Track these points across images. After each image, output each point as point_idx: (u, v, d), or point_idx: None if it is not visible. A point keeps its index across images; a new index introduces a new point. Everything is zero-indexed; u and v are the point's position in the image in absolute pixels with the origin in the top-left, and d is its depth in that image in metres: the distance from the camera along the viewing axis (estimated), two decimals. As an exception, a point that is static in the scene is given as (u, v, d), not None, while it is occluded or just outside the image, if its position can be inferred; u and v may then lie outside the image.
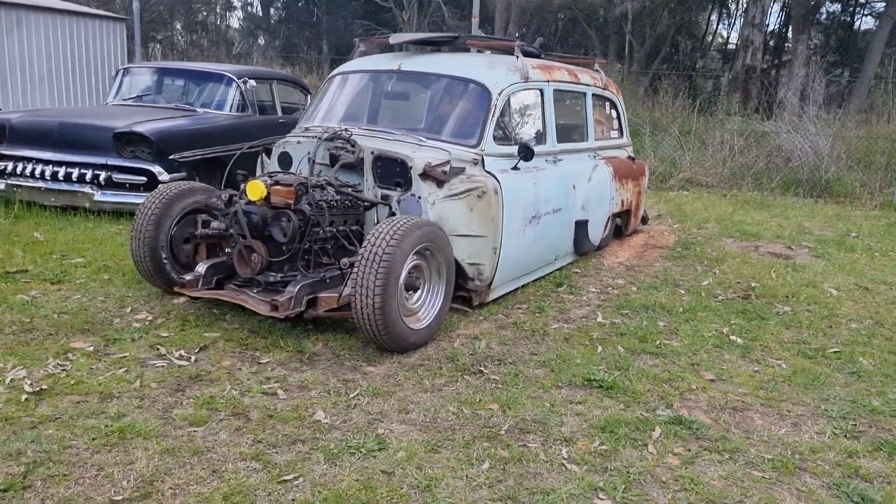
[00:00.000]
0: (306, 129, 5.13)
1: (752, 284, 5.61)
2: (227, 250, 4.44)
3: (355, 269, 3.78)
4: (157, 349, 3.86)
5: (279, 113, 8.83)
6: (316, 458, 2.88)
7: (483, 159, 4.68)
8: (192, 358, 3.77)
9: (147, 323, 4.22)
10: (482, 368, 3.84)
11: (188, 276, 4.26)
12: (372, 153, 4.54)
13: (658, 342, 4.33)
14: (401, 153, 4.48)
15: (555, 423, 3.28)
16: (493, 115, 4.78)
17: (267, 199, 4.13)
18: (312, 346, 4.01)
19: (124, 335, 3.99)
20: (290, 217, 4.05)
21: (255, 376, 3.61)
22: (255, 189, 4.11)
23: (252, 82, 8.31)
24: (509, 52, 5.36)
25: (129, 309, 4.42)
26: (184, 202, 4.63)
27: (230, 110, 7.99)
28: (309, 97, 9.90)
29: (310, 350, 3.95)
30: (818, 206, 9.60)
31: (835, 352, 4.33)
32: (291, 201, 4.11)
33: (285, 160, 4.92)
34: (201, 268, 4.31)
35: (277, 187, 4.12)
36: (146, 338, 4.00)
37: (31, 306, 4.37)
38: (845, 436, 3.32)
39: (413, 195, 4.43)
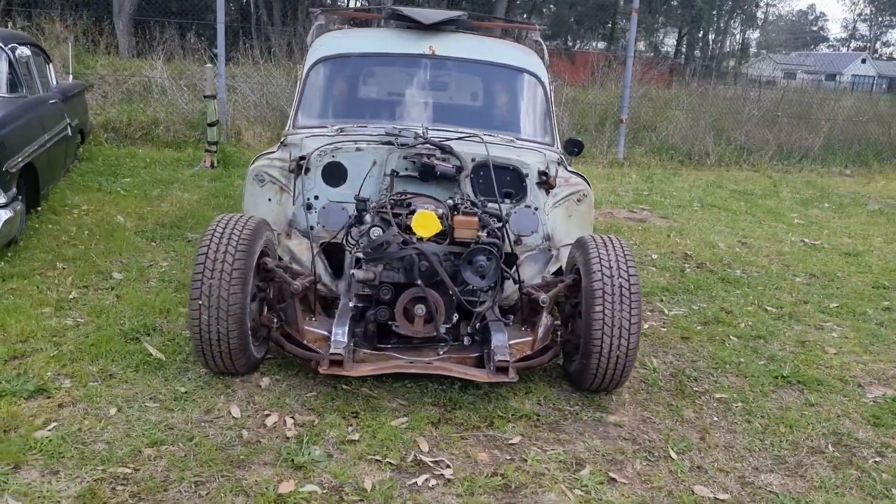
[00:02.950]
0: (340, 129, 4.00)
1: (687, 253, 6.20)
2: (351, 305, 3.34)
3: (599, 308, 3.19)
4: (380, 461, 2.77)
5: (40, 91, 6.56)
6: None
7: (562, 159, 4.28)
8: (446, 462, 2.80)
9: (298, 429, 2.96)
10: (695, 389, 3.63)
11: (337, 349, 3.08)
12: (473, 160, 3.80)
13: (742, 326, 4.57)
14: (512, 159, 3.84)
15: (845, 430, 3.32)
16: (553, 109, 4.38)
17: (442, 234, 3.21)
18: (520, 404, 3.30)
19: (302, 456, 2.76)
20: (492, 254, 3.21)
21: (541, 463, 2.86)
22: (430, 222, 3.15)
23: (24, 50, 6.03)
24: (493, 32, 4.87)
25: (239, 414, 3.04)
26: (258, 244, 3.31)
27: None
28: (50, 67, 7.54)
29: (528, 411, 3.25)
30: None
31: (836, 307, 5.10)
32: (479, 234, 3.25)
33: (336, 173, 3.81)
34: (340, 334, 3.17)
35: (463, 218, 3.21)
36: (340, 450, 2.84)
37: (77, 435, 2.71)
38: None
39: (528, 206, 3.86)
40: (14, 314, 3.82)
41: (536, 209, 3.85)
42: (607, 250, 3.33)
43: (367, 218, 3.33)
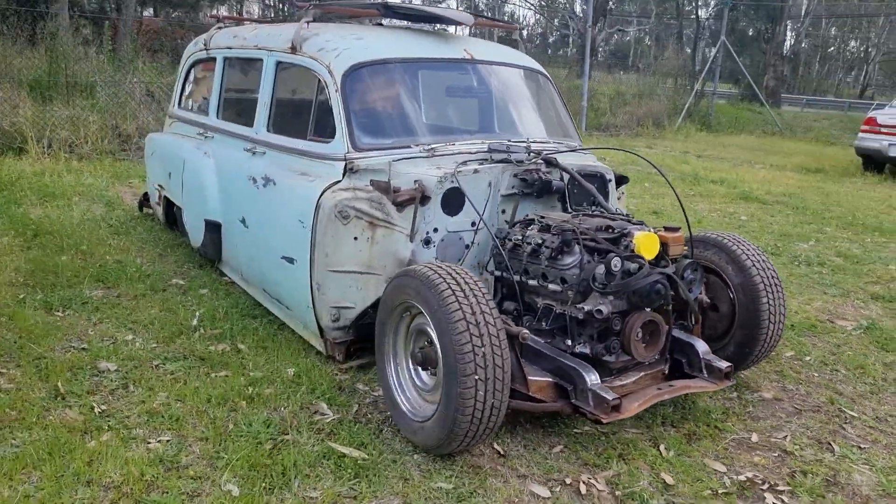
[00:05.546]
0: (430, 148, 3.53)
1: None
2: (575, 335, 3.09)
3: (764, 300, 3.48)
4: (728, 494, 2.74)
5: None
6: None
7: (591, 159, 4.41)
8: (760, 477, 2.87)
9: (619, 489, 2.72)
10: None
11: (612, 395, 2.85)
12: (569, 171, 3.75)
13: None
14: (597, 166, 3.89)
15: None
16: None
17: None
18: (704, 403, 3.46)
19: (660, 511, 2.59)
20: (698, 267, 3.25)
21: (802, 449, 3.11)
22: (653, 244, 3.09)
23: None
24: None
25: (548, 493, 2.64)
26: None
27: None
28: None
29: (718, 407, 3.44)
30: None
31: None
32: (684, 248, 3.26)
33: (453, 200, 3.41)
34: (596, 378, 2.93)
35: (675, 235, 3.18)
36: (678, 494, 2.70)
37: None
38: None
39: (610, 211, 3.96)
40: (69, 454, 2.64)
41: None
42: (746, 247, 3.62)
43: (577, 248, 3.08)
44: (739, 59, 22.57)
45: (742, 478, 2.84)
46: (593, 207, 3.74)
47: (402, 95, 3.75)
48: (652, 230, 3.15)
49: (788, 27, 31.66)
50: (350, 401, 3.23)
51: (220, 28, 5.14)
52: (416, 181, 3.33)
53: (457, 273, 2.77)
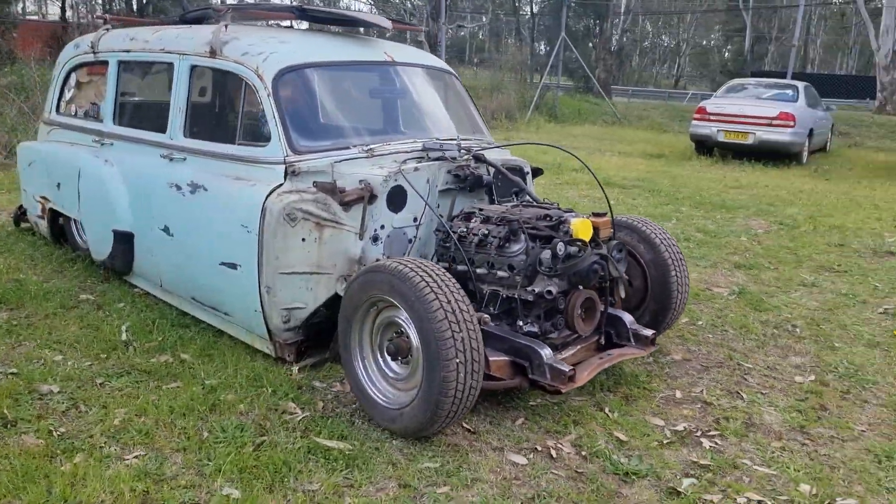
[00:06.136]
0: (369, 149, 3.66)
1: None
2: (522, 315, 3.35)
3: (674, 273, 3.92)
4: (672, 442, 3.12)
5: None
6: None
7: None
8: (699, 427, 3.29)
9: (582, 450, 3.01)
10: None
11: (567, 367, 3.14)
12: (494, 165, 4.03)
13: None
14: (517, 160, 4.19)
15: (776, 316, 4.80)
16: (470, 106, 4.74)
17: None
18: (630, 369, 3.87)
19: (629, 466, 2.92)
20: (623, 247, 3.60)
21: (717, 399, 3.58)
22: (588, 228, 3.41)
23: None
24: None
25: (525, 461, 2.89)
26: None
27: None
28: None
29: (643, 371, 3.85)
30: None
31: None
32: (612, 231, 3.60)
33: (397, 198, 3.58)
34: (550, 354, 3.21)
35: (603, 220, 3.51)
36: (633, 448, 3.04)
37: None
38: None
39: (528, 201, 4.30)
40: (45, 480, 2.56)
41: (532, 201, 4.25)
42: (653, 228, 4.05)
43: (522, 237, 3.34)
44: (573, 55, 23.98)
45: (679, 428, 3.24)
46: (517, 198, 4.03)
47: (333, 98, 3.84)
48: (584, 216, 3.47)
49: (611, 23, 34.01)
50: (313, 398, 3.31)
51: (108, 30, 4.92)
52: (361, 181, 3.45)
53: (426, 265, 2.94)
